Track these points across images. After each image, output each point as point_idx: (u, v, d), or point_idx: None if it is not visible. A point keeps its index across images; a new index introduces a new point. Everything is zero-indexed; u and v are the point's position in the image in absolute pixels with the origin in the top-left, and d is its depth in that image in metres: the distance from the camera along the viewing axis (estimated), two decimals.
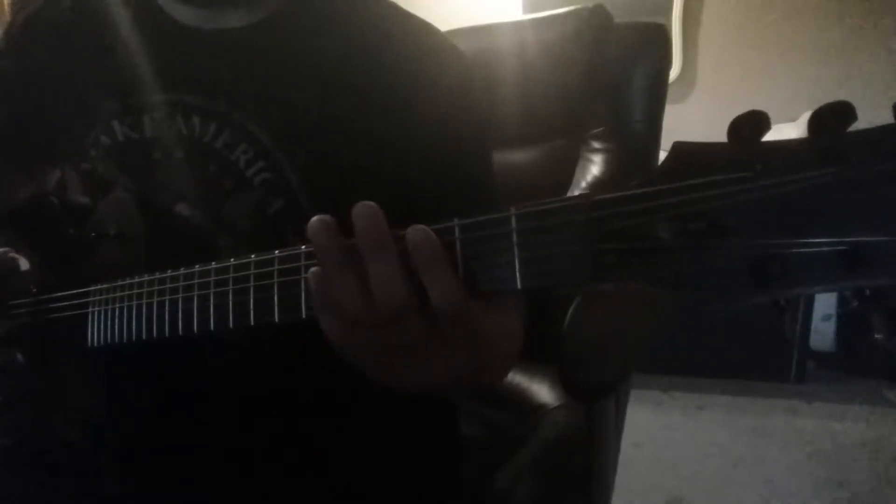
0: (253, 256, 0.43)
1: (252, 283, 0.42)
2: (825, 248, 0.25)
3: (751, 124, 0.27)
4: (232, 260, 0.44)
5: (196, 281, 0.46)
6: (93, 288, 0.55)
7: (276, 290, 0.41)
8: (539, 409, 0.88)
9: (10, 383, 0.61)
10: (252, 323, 0.42)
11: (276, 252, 0.41)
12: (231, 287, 0.43)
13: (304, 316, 0.40)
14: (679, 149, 0.28)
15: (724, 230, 0.27)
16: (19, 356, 0.59)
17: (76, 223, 0.60)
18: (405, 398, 0.61)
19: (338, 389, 0.57)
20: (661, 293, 0.29)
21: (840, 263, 0.25)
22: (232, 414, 0.57)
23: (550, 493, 0.85)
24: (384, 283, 0.35)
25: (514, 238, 0.33)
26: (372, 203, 0.35)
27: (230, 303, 0.43)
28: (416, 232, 0.35)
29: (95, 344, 0.54)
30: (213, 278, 0.45)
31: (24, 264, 0.60)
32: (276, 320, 0.41)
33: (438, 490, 0.63)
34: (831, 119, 0.25)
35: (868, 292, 0.26)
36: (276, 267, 0.41)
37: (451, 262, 0.34)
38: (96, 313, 0.54)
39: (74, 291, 0.57)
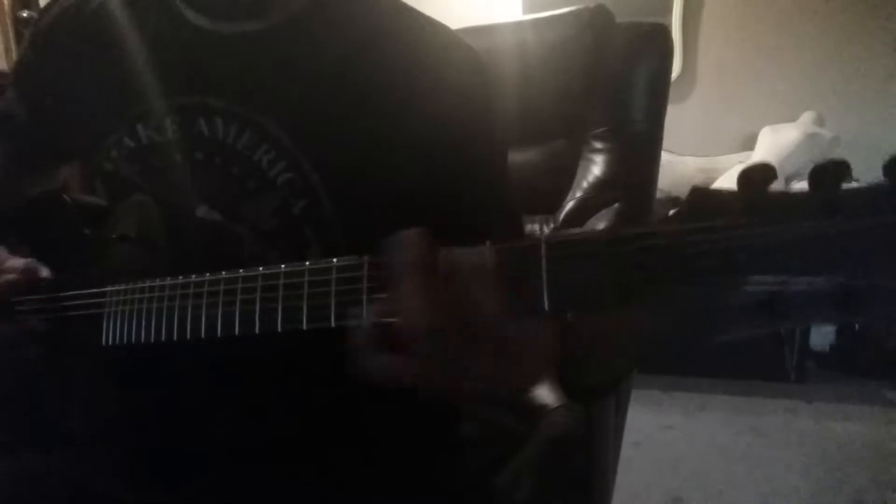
0: (283, 267, 0.44)
1: (280, 293, 0.43)
2: (822, 288, 0.29)
3: (759, 175, 0.31)
4: (261, 269, 0.45)
5: (222, 287, 0.46)
6: (110, 288, 0.55)
7: (305, 300, 0.42)
8: (539, 409, 0.88)
9: (19, 380, 0.61)
10: (279, 329, 0.43)
11: (307, 263, 0.43)
12: (259, 294, 0.44)
13: (332, 325, 0.41)
14: (696, 193, 0.32)
15: (734, 268, 0.30)
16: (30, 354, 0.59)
17: (91, 224, 0.60)
18: (404, 398, 0.61)
19: (338, 391, 0.57)
20: (676, 323, 0.33)
21: (834, 302, 0.29)
22: (233, 414, 0.57)
23: (550, 493, 0.85)
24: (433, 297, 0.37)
25: (544, 264, 0.35)
26: (419, 231, 0.38)
27: (257, 309, 0.44)
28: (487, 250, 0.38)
29: (111, 343, 0.54)
30: (240, 285, 0.45)
31: (44, 272, 0.60)
32: (304, 327, 0.42)
33: (438, 490, 0.63)
34: (830, 175, 0.29)
35: (857, 327, 0.29)
36: (307, 279, 0.42)
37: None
38: (112, 314, 0.54)
39: (91, 291, 0.57)
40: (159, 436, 0.58)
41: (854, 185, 0.29)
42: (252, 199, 0.57)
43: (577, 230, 0.37)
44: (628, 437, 1.09)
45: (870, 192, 0.28)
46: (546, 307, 0.36)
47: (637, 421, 1.92)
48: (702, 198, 0.32)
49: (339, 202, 0.57)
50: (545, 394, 0.90)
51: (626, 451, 1.09)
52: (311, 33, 0.60)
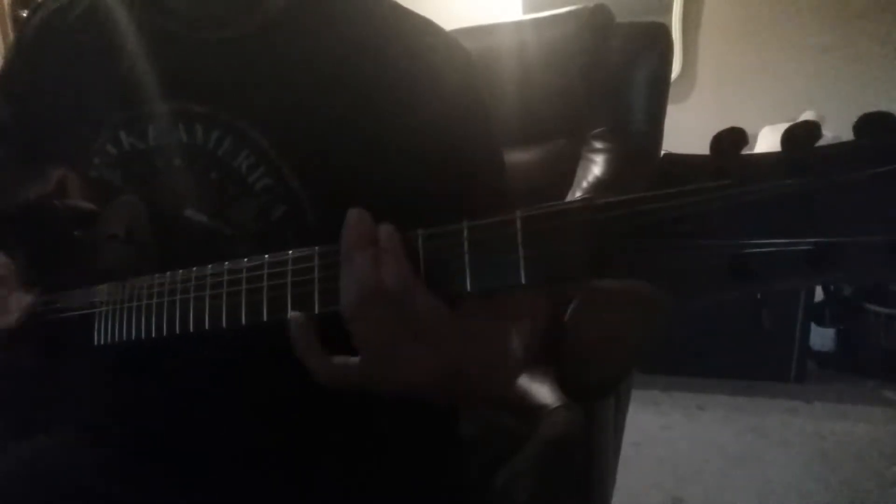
0: (267, 257, 0.45)
1: (265, 283, 0.44)
2: (794, 248, 0.29)
3: (730, 139, 0.31)
4: (245, 260, 0.45)
5: (209, 280, 0.47)
6: (100, 287, 0.55)
7: (289, 289, 0.43)
8: (539, 409, 0.88)
9: (12, 383, 0.61)
10: (265, 319, 0.44)
11: (290, 252, 0.43)
12: (244, 287, 0.45)
13: (316, 311, 0.42)
14: (668, 160, 0.33)
15: (707, 231, 0.30)
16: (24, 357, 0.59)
17: (80, 226, 0.60)
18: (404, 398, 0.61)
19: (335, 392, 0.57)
20: (654, 288, 0.32)
21: (806, 261, 0.29)
22: (231, 414, 0.57)
23: (550, 493, 0.85)
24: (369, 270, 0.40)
25: (520, 238, 0.35)
26: (361, 210, 0.41)
27: (243, 301, 0.45)
28: (383, 230, 0.41)
29: (102, 342, 0.54)
30: (226, 278, 0.46)
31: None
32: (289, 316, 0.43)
33: (438, 490, 0.63)
34: (801, 135, 0.29)
35: (832, 288, 0.29)
36: (290, 267, 0.43)
37: (458, 259, 0.38)
38: (103, 314, 0.54)
39: (80, 291, 0.57)
40: (159, 436, 0.58)
41: (825, 143, 0.29)
42: (232, 205, 0.57)
43: (553, 203, 0.36)
44: (628, 437, 1.09)
45: (839, 149, 0.28)
46: (523, 280, 0.36)
47: (637, 421, 1.92)
48: (672, 164, 0.32)
49: (319, 208, 0.56)
50: (545, 394, 0.90)
51: (626, 451, 1.09)
52: (294, 37, 0.59)
